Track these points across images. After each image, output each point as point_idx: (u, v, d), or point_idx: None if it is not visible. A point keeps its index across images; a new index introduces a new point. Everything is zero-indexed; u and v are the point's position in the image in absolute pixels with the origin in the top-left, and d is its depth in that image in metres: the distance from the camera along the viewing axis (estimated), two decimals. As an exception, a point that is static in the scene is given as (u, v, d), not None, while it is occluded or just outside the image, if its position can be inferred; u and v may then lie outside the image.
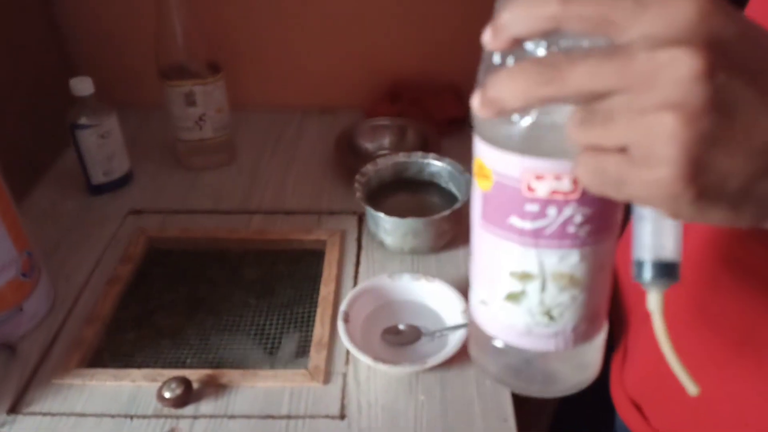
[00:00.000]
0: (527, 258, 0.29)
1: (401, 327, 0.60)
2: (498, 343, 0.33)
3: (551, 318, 0.31)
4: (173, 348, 0.63)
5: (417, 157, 0.78)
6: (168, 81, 0.80)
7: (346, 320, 0.58)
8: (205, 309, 0.69)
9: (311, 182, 0.86)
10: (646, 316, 0.51)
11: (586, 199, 0.27)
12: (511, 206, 0.29)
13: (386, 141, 0.92)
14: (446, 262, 0.72)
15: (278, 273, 0.73)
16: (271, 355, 0.62)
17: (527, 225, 0.28)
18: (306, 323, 0.65)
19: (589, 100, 0.24)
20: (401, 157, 0.77)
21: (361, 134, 0.92)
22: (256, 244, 0.76)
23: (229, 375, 0.58)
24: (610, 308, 0.50)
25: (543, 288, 0.30)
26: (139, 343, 0.64)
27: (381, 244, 0.73)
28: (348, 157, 0.88)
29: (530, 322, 0.31)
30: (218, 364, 0.61)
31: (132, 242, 0.74)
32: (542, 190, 0.27)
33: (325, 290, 0.68)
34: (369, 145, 0.92)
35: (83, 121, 0.76)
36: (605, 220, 0.29)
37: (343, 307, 0.59)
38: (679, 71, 0.22)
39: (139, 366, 0.60)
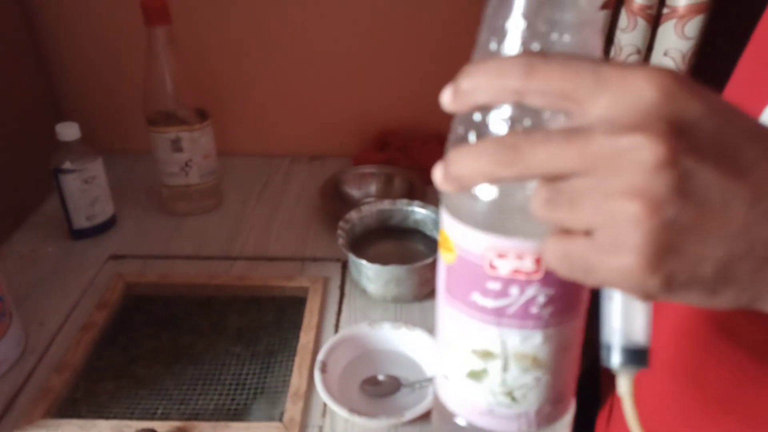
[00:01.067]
0: (489, 336, 0.28)
1: (380, 377, 0.59)
2: (460, 421, 0.32)
3: (513, 399, 0.29)
4: (149, 398, 0.61)
5: (402, 204, 0.77)
6: (155, 127, 0.80)
7: (324, 370, 0.56)
8: (186, 359, 0.67)
9: (296, 228, 0.86)
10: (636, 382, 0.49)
11: (549, 279, 0.27)
12: (473, 282, 0.28)
13: (373, 188, 0.93)
14: (430, 310, 0.70)
15: (263, 320, 0.71)
16: (247, 406, 0.60)
17: (489, 303, 0.28)
18: (285, 373, 0.64)
19: (553, 180, 0.23)
20: (386, 205, 0.77)
21: (348, 181, 0.92)
22: (237, 291, 0.74)
23: (200, 427, 0.56)
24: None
25: (505, 368, 0.29)
26: (116, 394, 0.62)
27: (364, 292, 0.72)
28: (334, 203, 0.88)
29: (492, 401, 0.30)
30: (192, 416, 0.59)
31: (109, 288, 0.73)
32: (504, 268, 0.27)
33: (305, 338, 0.66)
34: (355, 192, 0.92)
35: (67, 165, 0.76)
36: (570, 301, 0.28)
37: (320, 357, 0.58)
38: (640, 158, 0.21)
39: (113, 417, 0.57)
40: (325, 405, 0.58)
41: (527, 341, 0.28)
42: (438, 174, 0.26)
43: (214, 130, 0.84)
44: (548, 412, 0.30)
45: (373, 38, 0.95)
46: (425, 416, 0.54)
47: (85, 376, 0.63)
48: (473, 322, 0.29)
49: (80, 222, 0.80)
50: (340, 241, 0.70)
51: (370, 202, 0.89)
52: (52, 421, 0.56)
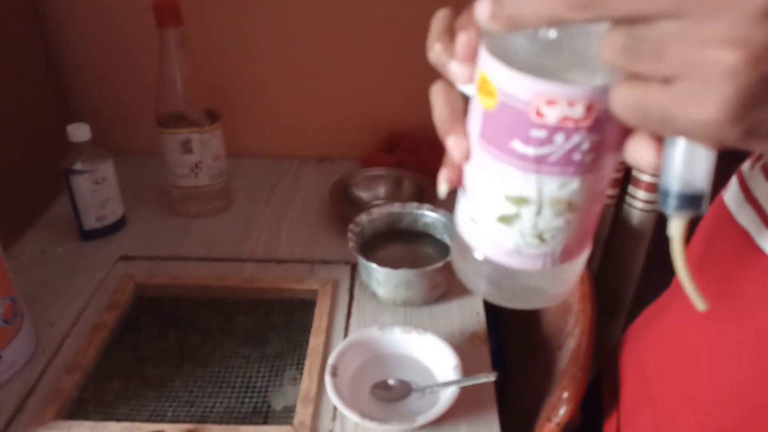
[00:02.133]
0: (526, 183, 0.28)
1: (391, 382, 0.58)
2: (478, 255, 0.32)
3: (542, 240, 0.29)
4: (159, 400, 0.61)
5: (412, 207, 0.77)
6: (165, 129, 0.81)
7: (334, 374, 0.56)
8: (194, 359, 0.67)
9: (305, 231, 0.86)
10: (644, 400, 0.49)
11: (598, 126, 0.25)
12: (515, 130, 0.26)
13: (382, 191, 0.92)
14: (439, 314, 0.70)
15: (272, 323, 0.71)
16: (257, 409, 0.60)
17: (530, 151, 0.26)
18: (295, 376, 0.63)
19: (632, 23, 0.21)
20: (396, 208, 0.77)
21: (357, 184, 0.92)
22: (247, 293, 0.74)
23: (210, 430, 0.56)
24: (608, 382, 0.49)
25: (539, 213, 0.28)
26: (124, 394, 0.62)
27: (373, 295, 0.72)
28: (343, 206, 0.88)
29: (520, 243, 0.30)
30: (201, 418, 0.59)
31: (119, 289, 0.73)
32: (552, 116, 0.25)
33: (315, 342, 0.66)
34: (364, 195, 0.92)
35: (78, 166, 0.76)
36: (612, 146, 0.27)
37: (331, 361, 0.57)
38: (750, 2, 0.19)
39: (122, 418, 0.57)
40: (335, 409, 0.58)
41: (565, 187, 0.27)
42: (484, 9, 0.24)
43: (223, 132, 0.84)
44: (572, 250, 0.30)
45: (383, 40, 0.95)
46: (437, 422, 0.54)
47: (93, 376, 0.63)
48: (510, 168, 0.28)
49: (90, 223, 0.80)
50: (351, 244, 0.70)
51: (379, 204, 0.89)
52: (63, 423, 0.56)
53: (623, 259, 0.94)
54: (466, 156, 0.30)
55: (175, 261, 0.79)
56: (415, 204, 0.77)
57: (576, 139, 0.26)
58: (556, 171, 0.27)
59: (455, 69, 0.29)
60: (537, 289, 0.32)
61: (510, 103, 0.26)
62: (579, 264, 0.32)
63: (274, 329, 0.70)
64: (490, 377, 0.56)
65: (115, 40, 0.95)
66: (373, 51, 0.96)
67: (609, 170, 0.28)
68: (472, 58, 0.28)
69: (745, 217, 0.41)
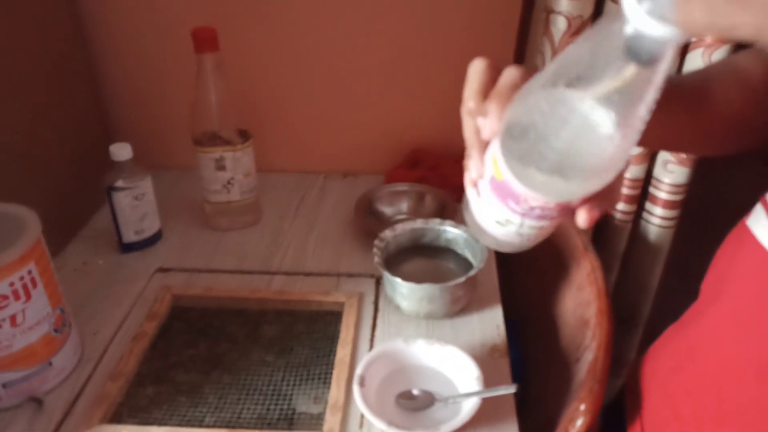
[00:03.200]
0: (514, 217, 0.39)
1: (415, 392, 0.61)
2: (481, 226, 0.43)
3: (522, 236, 0.41)
4: (190, 406, 0.65)
5: (434, 223, 0.80)
6: (200, 147, 0.85)
7: (362, 384, 0.59)
8: (223, 366, 0.71)
9: (331, 244, 0.89)
10: (671, 418, 0.51)
11: (563, 208, 0.37)
12: (511, 197, 0.38)
13: (405, 206, 0.96)
14: (461, 327, 0.73)
15: (297, 332, 0.75)
16: (284, 416, 0.63)
17: (518, 209, 0.38)
18: (322, 384, 0.67)
19: None
20: (419, 224, 0.80)
21: (381, 199, 0.95)
22: (276, 304, 0.78)
23: (245, 435, 0.59)
24: (631, 397, 0.51)
25: (521, 227, 0.40)
26: (157, 399, 0.66)
27: (397, 308, 0.75)
28: (367, 220, 0.91)
29: (508, 233, 0.41)
30: (235, 424, 0.62)
31: (158, 300, 0.77)
32: (536, 205, 0.37)
33: (342, 352, 0.69)
34: (388, 210, 0.95)
35: (120, 183, 0.80)
36: (571, 209, 0.38)
37: (359, 371, 0.61)
38: None
39: (157, 423, 0.61)
40: (362, 417, 0.61)
41: (540, 225, 0.40)
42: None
43: (254, 149, 0.88)
44: (539, 238, 0.42)
45: (406, 58, 0.99)
46: (459, 431, 0.56)
47: (129, 382, 0.67)
48: (505, 208, 0.39)
49: (129, 236, 0.85)
50: (376, 259, 0.73)
51: (402, 219, 0.93)
52: (108, 427, 0.60)
53: (640, 273, 0.96)
54: (480, 177, 0.40)
55: (209, 273, 0.83)
56: (437, 220, 0.81)
57: (548, 212, 0.38)
58: (535, 218, 0.39)
59: (482, 125, 0.37)
60: (503, 246, 0.44)
61: (510, 186, 0.37)
62: (539, 240, 0.43)
63: (299, 338, 0.74)
64: (511, 389, 0.59)
65: (154, 64, 1.00)
66: (396, 70, 1.00)
67: (570, 213, 0.39)
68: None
69: None
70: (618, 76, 0.29)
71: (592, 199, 0.36)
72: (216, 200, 0.90)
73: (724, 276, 0.48)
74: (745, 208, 0.48)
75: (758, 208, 0.46)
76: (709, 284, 0.52)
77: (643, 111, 0.30)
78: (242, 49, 0.97)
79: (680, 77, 0.50)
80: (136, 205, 0.83)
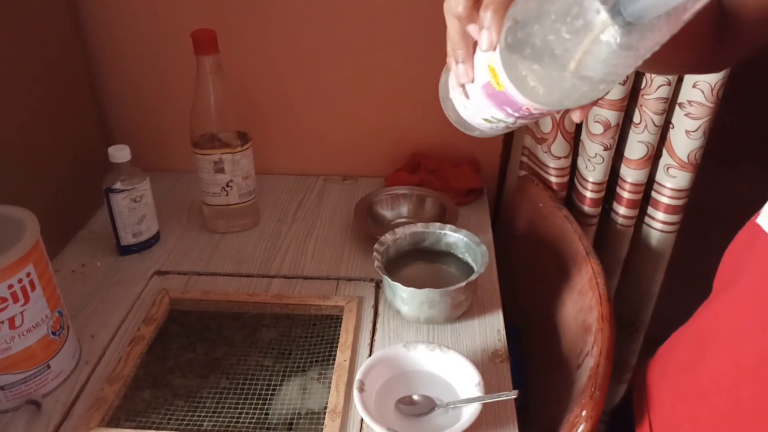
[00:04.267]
0: (508, 118, 0.40)
1: (415, 397, 0.61)
2: (461, 114, 0.44)
3: (508, 128, 0.43)
4: (188, 410, 0.64)
5: (434, 227, 0.80)
6: (199, 149, 0.84)
7: (361, 389, 0.59)
8: (220, 370, 0.70)
9: (330, 248, 0.89)
10: (684, 420, 0.50)
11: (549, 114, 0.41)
12: (510, 105, 0.38)
13: (405, 209, 0.95)
14: (462, 332, 0.73)
15: (295, 335, 0.75)
16: (282, 420, 0.63)
17: (515, 114, 0.39)
18: (321, 389, 0.66)
19: None
20: (419, 227, 0.80)
21: (381, 202, 0.95)
22: (275, 308, 0.78)
23: (244, 440, 0.59)
24: (638, 403, 0.51)
25: (510, 125, 0.42)
26: (154, 403, 0.65)
27: (397, 313, 0.74)
28: (367, 224, 0.91)
29: (491, 128, 0.43)
30: (233, 429, 0.62)
31: (155, 303, 0.77)
32: (536, 112, 0.38)
33: (341, 357, 0.69)
34: (388, 213, 0.95)
35: (118, 185, 0.80)
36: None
37: (358, 376, 0.60)
38: None
39: (154, 427, 0.61)
40: (362, 422, 0.60)
41: (530, 121, 0.41)
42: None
43: (253, 151, 0.88)
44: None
45: (406, 61, 0.98)
46: (459, 437, 0.56)
47: (128, 385, 0.66)
48: (498, 111, 0.39)
49: (127, 238, 0.84)
50: (376, 263, 0.73)
51: (402, 223, 0.92)
52: (106, 430, 0.59)
53: (642, 278, 0.96)
54: (470, 80, 0.40)
55: (207, 276, 0.82)
56: (437, 224, 0.80)
57: (542, 116, 0.39)
58: (529, 118, 0.39)
59: (480, 37, 0.36)
60: (481, 133, 0.45)
61: (510, 95, 0.37)
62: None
63: (297, 341, 0.73)
64: (512, 395, 0.58)
65: (153, 66, 0.99)
66: (397, 73, 0.99)
67: None
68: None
69: None
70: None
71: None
72: (214, 203, 0.89)
73: (737, 271, 0.48)
74: (747, 212, 0.48)
75: (766, 209, 0.46)
76: (721, 280, 0.51)
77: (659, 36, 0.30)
78: (242, 52, 0.97)
79: None
80: (134, 208, 0.83)
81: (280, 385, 0.68)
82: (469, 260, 0.78)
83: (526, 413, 0.84)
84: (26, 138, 0.82)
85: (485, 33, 0.35)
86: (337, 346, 0.70)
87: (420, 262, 0.80)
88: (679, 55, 0.49)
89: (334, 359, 0.69)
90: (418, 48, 0.97)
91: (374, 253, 0.75)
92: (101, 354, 0.69)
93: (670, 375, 0.54)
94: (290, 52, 0.98)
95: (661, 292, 0.96)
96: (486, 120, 0.42)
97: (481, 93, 0.39)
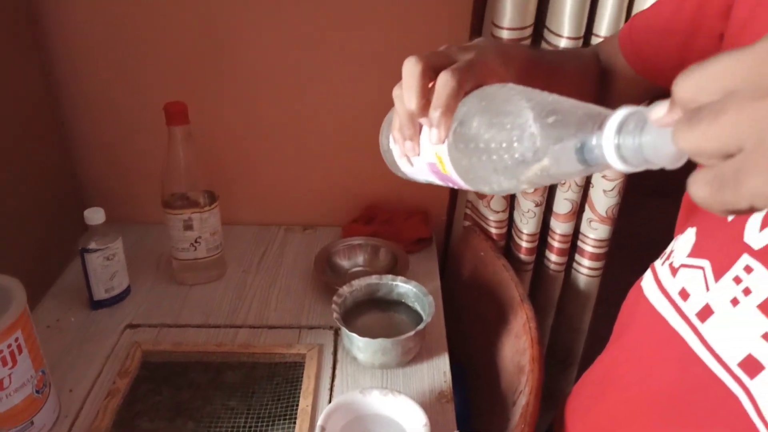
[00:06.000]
0: (447, 184, 0.45)
1: (371, 439, 0.69)
2: (406, 173, 0.52)
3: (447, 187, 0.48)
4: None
5: (387, 279, 0.89)
6: (169, 209, 0.91)
7: (323, 434, 0.66)
8: (186, 414, 0.76)
9: (293, 297, 0.96)
10: None
11: None
12: (451, 182, 0.44)
13: (360, 259, 1.04)
14: (412, 375, 0.81)
15: (258, 377, 0.81)
16: (254, 465, 0.70)
17: (454, 187, 0.44)
18: (285, 427, 0.73)
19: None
20: (373, 279, 0.88)
21: (338, 253, 1.03)
22: (242, 357, 0.85)
23: (217, 484, 0.65)
24: None
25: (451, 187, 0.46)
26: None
27: (354, 359, 0.82)
28: (326, 274, 0.99)
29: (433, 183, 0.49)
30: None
31: (129, 356, 0.82)
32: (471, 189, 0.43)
33: (304, 402, 0.76)
34: (345, 263, 1.03)
35: (92, 245, 0.86)
36: None
37: (320, 422, 0.68)
38: None
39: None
40: (323, 463, 0.68)
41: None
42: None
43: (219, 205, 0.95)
44: None
45: (361, 121, 1.07)
46: (409, 473, 0.64)
47: None
48: (440, 181, 0.45)
49: (100, 294, 0.90)
50: (335, 315, 0.81)
51: (358, 272, 1.01)
52: (88, 481, 0.65)
53: (573, 317, 1.07)
54: (416, 155, 0.45)
55: (178, 328, 0.89)
56: (390, 276, 0.89)
57: None
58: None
59: (431, 134, 0.42)
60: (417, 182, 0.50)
61: (454, 179, 0.42)
62: None
63: (260, 383, 0.80)
64: (453, 435, 0.67)
65: (125, 130, 1.06)
66: (353, 132, 1.09)
67: None
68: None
69: (659, 304, 0.51)
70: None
71: None
72: (183, 257, 0.96)
73: (628, 321, 0.58)
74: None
75: (648, 273, 0.56)
76: (618, 326, 0.61)
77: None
78: (208, 112, 1.04)
79: (541, 51, 0.69)
80: (107, 265, 0.88)
81: (245, 426, 0.74)
82: (419, 309, 0.87)
83: (472, 446, 0.93)
84: (5, 200, 0.87)
85: (434, 130, 0.40)
86: (299, 391, 0.78)
87: (374, 311, 0.89)
88: None
89: (297, 402, 0.76)
90: (369, 111, 1.06)
91: (333, 305, 0.83)
92: (80, 407, 0.74)
93: (580, 411, 0.63)
94: (253, 115, 1.06)
95: (590, 328, 1.07)
96: (427, 182, 0.48)
97: (425, 167, 0.43)
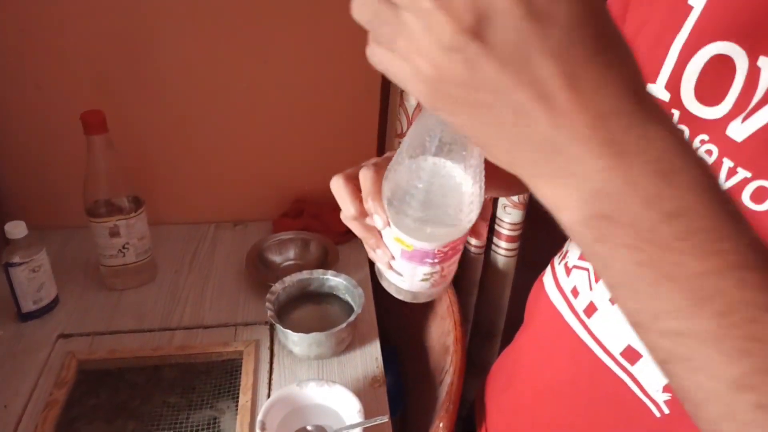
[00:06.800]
0: (434, 268, 0.46)
1: (309, 428, 0.74)
2: (404, 289, 0.49)
3: (444, 277, 0.48)
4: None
5: (318, 273, 0.92)
6: (93, 218, 0.91)
7: (263, 429, 0.70)
8: (126, 414, 0.78)
9: (227, 295, 0.98)
10: (505, 429, 0.66)
11: (463, 244, 0.46)
12: (427, 257, 0.45)
13: (292, 253, 1.07)
14: (346, 363, 0.86)
15: (198, 371, 0.84)
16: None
17: (437, 260, 0.45)
18: (228, 428, 0.77)
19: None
20: (305, 274, 0.92)
21: (270, 248, 1.06)
22: (179, 359, 0.87)
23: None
24: (478, 414, 0.66)
25: (441, 272, 0.47)
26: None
27: (290, 353, 0.86)
28: (258, 270, 1.02)
29: (431, 282, 0.48)
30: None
31: (64, 367, 0.83)
32: (447, 249, 0.44)
33: (244, 399, 0.80)
34: (277, 258, 1.06)
35: (16, 259, 0.85)
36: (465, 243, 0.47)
37: (260, 417, 0.72)
38: (442, 33, 0.25)
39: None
40: (265, 455, 0.72)
41: (455, 258, 0.47)
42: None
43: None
44: (455, 269, 0.49)
45: (287, 117, 1.10)
46: (346, 457, 0.69)
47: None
48: (424, 267, 0.45)
49: (28, 306, 0.89)
50: (269, 312, 0.84)
51: (290, 266, 1.04)
52: (32, 495, 0.66)
53: (494, 294, 1.15)
54: (391, 258, 0.46)
55: (111, 335, 0.89)
56: (320, 270, 0.93)
57: (458, 250, 0.46)
58: (449, 258, 0.46)
59: (374, 222, 0.46)
60: (428, 296, 0.50)
61: (420, 248, 0.44)
62: (452, 275, 0.51)
63: (199, 377, 0.83)
64: (384, 419, 0.73)
65: (39, 133, 1.03)
66: (279, 128, 1.10)
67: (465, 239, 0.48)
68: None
69: (556, 300, 0.58)
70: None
71: (478, 222, 0.45)
72: (111, 263, 0.96)
73: (533, 310, 0.64)
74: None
75: (548, 270, 0.62)
76: (527, 314, 0.68)
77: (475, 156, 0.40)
78: (128, 116, 1.03)
79: None
80: (33, 277, 0.88)
81: (186, 422, 0.77)
82: (349, 299, 0.91)
83: (405, 425, 1.00)
84: None
85: (376, 218, 0.45)
86: (238, 387, 0.81)
87: (308, 304, 0.93)
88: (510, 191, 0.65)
89: (237, 396, 0.80)
90: (297, 103, 1.09)
91: (266, 303, 0.86)
92: (17, 422, 0.75)
93: (495, 393, 0.71)
94: (175, 115, 1.06)
95: (510, 304, 1.16)
96: (423, 280, 0.47)
97: (403, 261, 0.46)
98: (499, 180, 0.56)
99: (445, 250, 0.44)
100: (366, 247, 0.48)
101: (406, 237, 0.44)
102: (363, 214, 0.46)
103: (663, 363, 0.28)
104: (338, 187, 0.48)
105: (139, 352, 0.86)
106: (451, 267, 0.47)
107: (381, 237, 0.46)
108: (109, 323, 0.91)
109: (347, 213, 0.48)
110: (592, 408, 0.54)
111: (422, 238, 0.43)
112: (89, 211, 0.91)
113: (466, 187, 0.41)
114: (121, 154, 0.90)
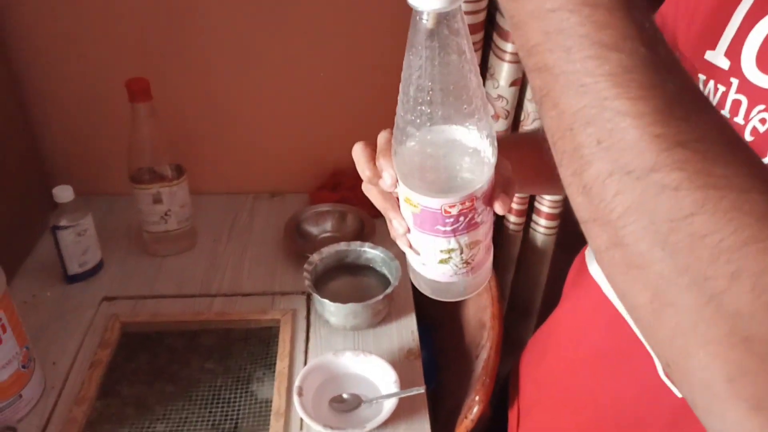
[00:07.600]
0: (449, 243, 0.42)
1: (345, 396, 0.74)
2: (429, 279, 0.47)
3: (468, 264, 0.45)
4: (136, 417, 0.74)
5: (356, 245, 0.93)
6: (137, 184, 0.92)
7: (300, 394, 0.72)
8: (165, 377, 0.80)
9: (264, 265, 1.00)
10: (536, 402, 0.66)
11: (477, 205, 0.41)
12: (435, 221, 0.41)
13: (329, 225, 1.07)
14: (382, 335, 0.86)
15: (234, 338, 0.86)
16: (231, 420, 0.74)
17: (447, 228, 0.42)
18: (263, 393, 0.78)
19: None
20: (342, 246, 0.92)
21: (307, 220, 1.07)
22: (219, 325, 0.88)
23: (202, 445, 0.70)
24: (512, 385, 0.66)
25: (461, 252, 0.44)
26: (105, 412, 0.75)
27: (327, 322, 0.87)
28: (296, 241, 1.02)
29: (456, 270, 0.45)
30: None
31: (108, 328, 0.85)
32: (453, 211, 0.41)
33: (281, 365, 0.81)
34: (314, 230, 1.07)
35: (63, 222, 0.87)
36: (488, 209, 0.43)
37: (297, 383, 0.73)
38: None
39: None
40: (301, 421, 0.73)
41: (473, 235, 0.42)
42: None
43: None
44: (482, 263, 0.46)
45: (325, 90, 1.09)
46: (382, 426, 0.70)
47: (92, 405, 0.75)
48: (438, 238, 0.42)
49: (74, 268, 0.92)
50: (307, 282, 0.85)
51: (327, 238, 1.05)
52: (79, 448, 0.69)
53: (531, 272, 1.14)
54: (407, 230, 0.44)
55: (153, 299, 0.91)
56: (358, 242, 0.93)
57: (470, 214, 0.41)
58: (465, 231, 0.42)
59: (383, 181, 0.44)
60: (459, 290, 0.47)
61: (428, 209, 0.41)
62: (485, 271, 0.48)
63: (236, 345, 0.85)
64: (421, 390, 0.73)
65: (87, 103, 1.05)
66: (317, 100, 1.10)
67: (491, 217, 0.44)
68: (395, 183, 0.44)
69: (595, 272, 0.57)
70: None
71: (496, 192, 0.42)
72: (154, 230, 0.97)
73: (572, 287, 0.63)
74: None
75: None
76: (566, 289, 0.67)
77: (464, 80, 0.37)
78: (171, 86, 1.04)
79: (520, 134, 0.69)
80: (79, 241, 0.90)
81: (223, 388, 0.79)
82: (386, 272, 0.91)
83: (439, 399, 1.00)
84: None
85: (385, 175, 0.43)
86: (275, 354, 0.82)
87: (345, 276, 0.93)
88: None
89: (273, 363, 0.81)
90: (334, 80, 1.08)
91: (304, 273, 0.87)
92: (65, 379, 0.78)
93: (530, 366, 0.70)
94: (217, 86, 1.06)
95: (547, 282, 1.14)
96: (442, 261, 0.44)
97: (417, 232, 0.43)
98: (538, 177, 0.54)
99: (453, 212, 0.40)
100: (388, 225, 0.46)
101: (411, 193, 0.41)
102: (377, 174, 0.45)
103: (539, 104, 0.30)
104: (357, 152, 0.47)
105: (180, 317, 0.88)
106: (474, 252, 0.44)
107: (398, 207, 0.44)
108: (151, 288, 0.94)
109: (363, 176, 0.46)
110: (618, 381, 0.53)
111: (424, 192, 0.40)
112: (133, 178, 0.93)
113: (464, 139, 0.39)
114: (163, 123, 0.91)
